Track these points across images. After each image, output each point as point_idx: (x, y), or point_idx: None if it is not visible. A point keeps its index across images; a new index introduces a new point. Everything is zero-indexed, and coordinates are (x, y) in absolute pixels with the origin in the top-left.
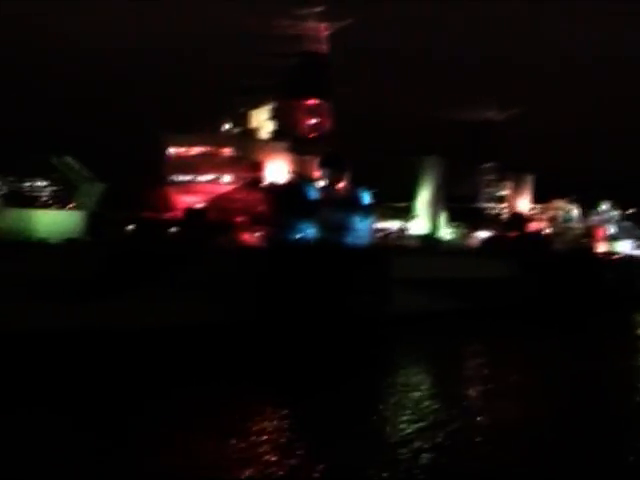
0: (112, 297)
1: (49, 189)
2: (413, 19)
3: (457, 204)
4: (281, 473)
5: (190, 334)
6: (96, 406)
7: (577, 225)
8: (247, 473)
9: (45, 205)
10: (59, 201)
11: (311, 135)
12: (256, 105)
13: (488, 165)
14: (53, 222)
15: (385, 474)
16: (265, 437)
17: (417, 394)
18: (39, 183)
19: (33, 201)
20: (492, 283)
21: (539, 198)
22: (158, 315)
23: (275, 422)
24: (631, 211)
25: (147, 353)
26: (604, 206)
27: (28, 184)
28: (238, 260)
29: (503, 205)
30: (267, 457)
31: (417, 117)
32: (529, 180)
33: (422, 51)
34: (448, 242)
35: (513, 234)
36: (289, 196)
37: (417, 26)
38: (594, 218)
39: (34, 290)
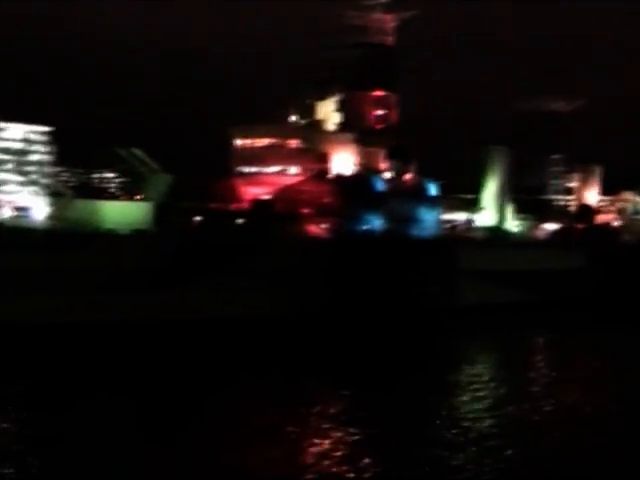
0: (180, 288)
1: (117, 181)
2: (478, 9)
3: (524, 196)
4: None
5: (258, 324)
6: (170, 395)
7: None
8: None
9: (113, 197)
10: (127, 193)
11: (377, 127)
12: (323, 97)
13: (556, 156)
14: (121, 213)
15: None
16: (337, 427)
17: (486, 386)
18: (107, 175)
19: (101, 193)
20: (560, 275)
21: (607, 190)
22: (226, 305)
23: (347, 417)
24: None
25: (216, 343)
26: None
27: (96, 176)
28: (306, 251)
29: (571, 197)
30: (341, 451)
31: (484, 107)
32: (597, 172)
33: (489, 42)
34: (515, 234)
35: (581, 226)
36: (356, 188)
37: (484, 15)
38: None
39: (104, 281)
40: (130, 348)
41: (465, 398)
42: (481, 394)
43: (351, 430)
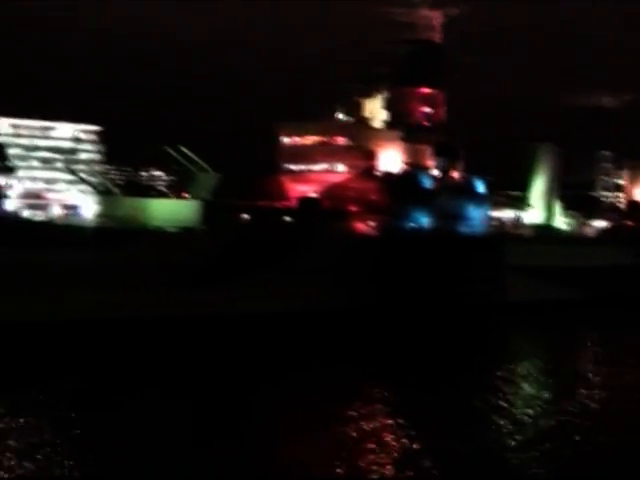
0: (229, 284)
1: (164, 179)
2: (527, 3)
3: (572, 192)
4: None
5: (306, 320)
6: (220, 391)
7: None
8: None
9: (161, 194)
10: (174, 190)
11: (424, 124)
12: (370, 94)
13: (604, 153)
14: (169, 211)
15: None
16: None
17: (535, 385)
18: (155, 173)
19: (149, 190)
20: (610, 272)
21: None
22: (275, 301)
23: (394, 415)
24: None
25: (264, 338)
26: None
27: (144, 174)
28: (354, 248)
29: (620, 194)
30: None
31: (532, 103)
32: None
33: (537, 37)
34: (563, 231)
35: (631, 223)
36: (404, 185)
37: (532, 10)
38: None
39: (153, 277)
40: (180, 343)
41: (515, 397)
42: (531, 393)
43: (399, 429)
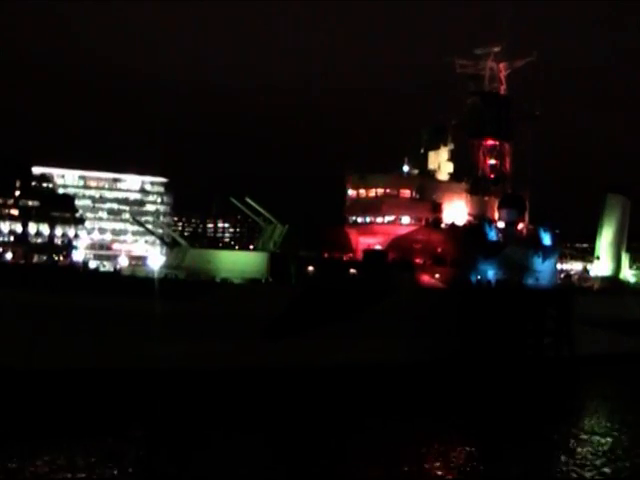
0: (303, 335)
1: (231, 230)
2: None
3: None
4: None
5: (380, 372)
6: (304, 440)
7: None
8: None
9: (227, 246)
10: (241, 242)
11: (491, 175)
12: (436, 146)
13: None
14: (236, 262)
15: None
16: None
17: (603, 444)
18: (221, 224)
19: (216, 242)
20: None
21: None
22: (350, 353)
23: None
24: None
25: (342, 389)
26: None
27: (211, 226)
28: (427, 300)
29: None
30: None
31: (603, 154)
32: None
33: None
34: (632, 283)
35: None
36: (471, 237)
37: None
38: None
39: (228, 329)
40: (256, 394)
41: (584, 453)
42: (601, 449)
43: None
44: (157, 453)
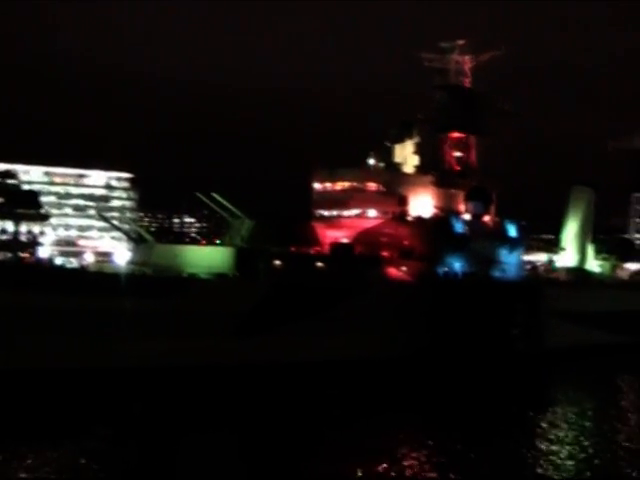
0: (274, 331)
1: (198, 226)
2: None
3: (606, 235)
4: None
5: (351, 368)
6: (275, 437)
7: None
8: None
9: (194, 241)
10: (207, 237)
11: (456, 169)
12: (401, 139)
13: (638, 195)
14: (202, 258)
15: None
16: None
17: (573, 433)
18: (188, 220)
19: (182, 237)
20: None
21: None
22: (321, 349)
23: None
24: None
25: (310, 386)
26: None
27: (177, 221)
28: (395, 294)
29: None
30: None
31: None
32: None
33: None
34: (597, 274)
35: None
36: (438, 230)
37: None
38: None
39: (197, 325)
40: (227, 391)
41: (553, 445)
42: (570, 441)
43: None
44: (128, 452)
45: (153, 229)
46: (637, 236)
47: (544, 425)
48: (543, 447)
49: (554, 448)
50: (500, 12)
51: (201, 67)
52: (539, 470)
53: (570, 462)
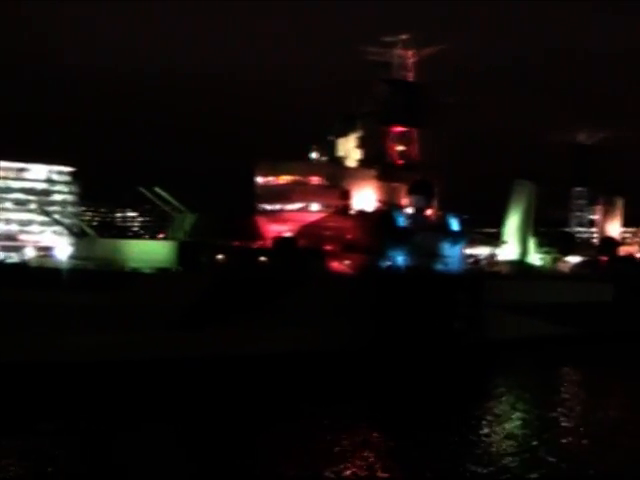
0: (217, 324)
1: (140, 220)
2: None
3: (547, 229)
4: None
5: (295, 360)
6: (222, 429)
7: None
8: None
9: (137, 235)
10: (150, 231)
11: (399, 162)
12: (344, 133)
13: (579, 189)
14: (145, 252)
15: None
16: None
17: (512, 424)
18: (131, 214)
19: (125, 231)
20: (589, 308)
21: (630, 222)
22: (265, 342)
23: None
24: None
25: (253, 379)
26: None
27: (120, 215)
28: (339, 287)
29: (594, 229)
30: None
31: (508, 139)
32: (620, 204)
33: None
34: (538, 267)
35: (604, 258)
36: (380, 223)
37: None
38: None
39: (136, 319)
40: (169, 385)
41: (494, 435)
42: (511, 430)
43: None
44: (69, 447)
45: (95, 223)
46: (578, 229)
47: (485, 415)
48: (483, 436)
49: (494, 438)
50: (450, 6)
51: (145, 56)
52: (479, 458)
53: (510, 451)
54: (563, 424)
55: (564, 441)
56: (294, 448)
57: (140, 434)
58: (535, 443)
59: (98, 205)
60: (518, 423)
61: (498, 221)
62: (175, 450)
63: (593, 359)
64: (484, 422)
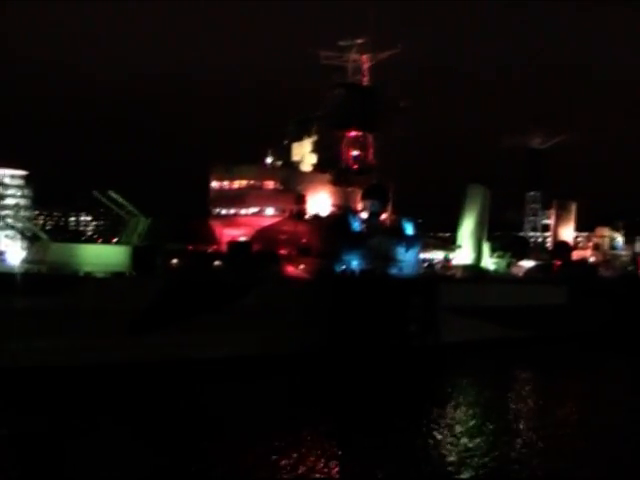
0: (169, 329)
1: (94, 224)
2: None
3: (502, 233)
4: None
5: (248, 364)
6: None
7: (623, 252)
8: None
9: (90, 239)
10: (104, 235)
11: (354, 167)
12: (299, 137)
13: (533, 193)
14: (99, 256)
15: None
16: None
17: (463, 429)
18: (84, 218)
19: (79, 235)
20: (542, 311)
21: (583, 226)
22: (219, 346)
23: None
24: None
25: (207, 383)
26: None
27: (73, 219)
28: (292, 292)
29: (548, 233)
30: None
31: (465, 144)
32: (573, 208)
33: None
34: (492, 271)
35: (558, 262)
36: (335, 227)
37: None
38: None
39: (88, 324)
40: (121, 390)
41: (445, 437)
42: (465, 434)
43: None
44: (12, 453)
45: (49, 227)
46: (532, 234)
47: (437, 418)
48: (437, 438)
49: (449, 440)
50: (405, 11)
51: (102, 56)
52: (434, 460)
53: (463, 454)
54: (514, 425)
55: (514, 442)
56: (237, 456)
57: (83, 440)
58: (485, 444)
59: (52, 209)
60: (469, 425)
61: (453, 225)
62: (115, 456)
63: (544, 361)
64: (435, 425)
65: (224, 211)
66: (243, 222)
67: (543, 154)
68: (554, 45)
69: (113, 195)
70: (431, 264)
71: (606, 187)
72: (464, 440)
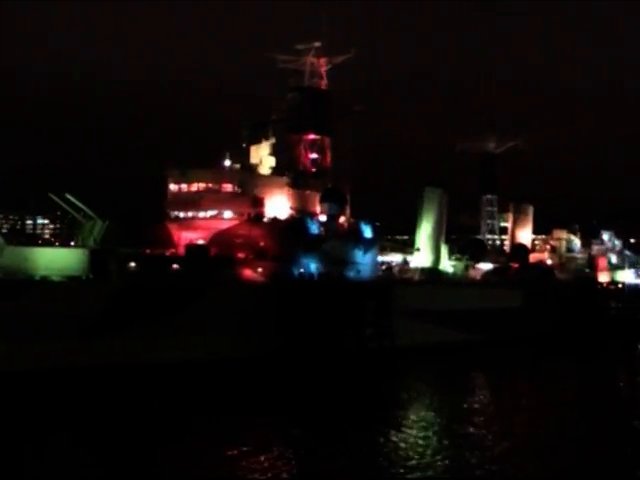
0: (122, 333)
1: (50, 227)
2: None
3: (459, 236)
4: None
5: (204, 368)
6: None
7: (579, 255)
8: None
9: (46, 243)
10: (60, 238)
11: (311, 170)
12: (257, 140)
13: (489, 197)
14: (55, 260)
15: None
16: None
17: (420, 432)
18: (40, 221)
19: (34, 239)
20: (498, 314)
21: (540, 229)
22: (171, 350)
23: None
24: (632, 240)
25: (162, 388)
26: (605, 236)
27: (29, 222)
28: (246, 295)
29: (505, 236)
30: None
31: (421, 148)
32: (530, 211)
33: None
34: (450, 274)
35: (515, 265)
36: (292, 231)
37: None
38: (596, 247)
39: (41, 328)
40: (75, 395)
41: (399, 441)
42: (421, 436)
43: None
44: None
45: (4, 231)
46: (488, 237)
47: (392, 422)
48: (392, 444)
49: (403, 445)
50: (365, 14)
51: (58, 58)
52: (390, 465)
53: (419, 459)
54: (467, 426)
55: (468, 441)
56: (188, 464)
57: (32, 447)
58: (439, 446)
59: (7, 212)
60: (423, 426)
61: (411, 228)
62: (65, 463)
63: (498, 363)
64: (389, 428)
65: (181, 214)
66: (200, 225)
67: (498, 158)
68: (513, 56)
69: (69, 198)
70: (390, 267)
71: (561, 190)
72: (419, 441)
